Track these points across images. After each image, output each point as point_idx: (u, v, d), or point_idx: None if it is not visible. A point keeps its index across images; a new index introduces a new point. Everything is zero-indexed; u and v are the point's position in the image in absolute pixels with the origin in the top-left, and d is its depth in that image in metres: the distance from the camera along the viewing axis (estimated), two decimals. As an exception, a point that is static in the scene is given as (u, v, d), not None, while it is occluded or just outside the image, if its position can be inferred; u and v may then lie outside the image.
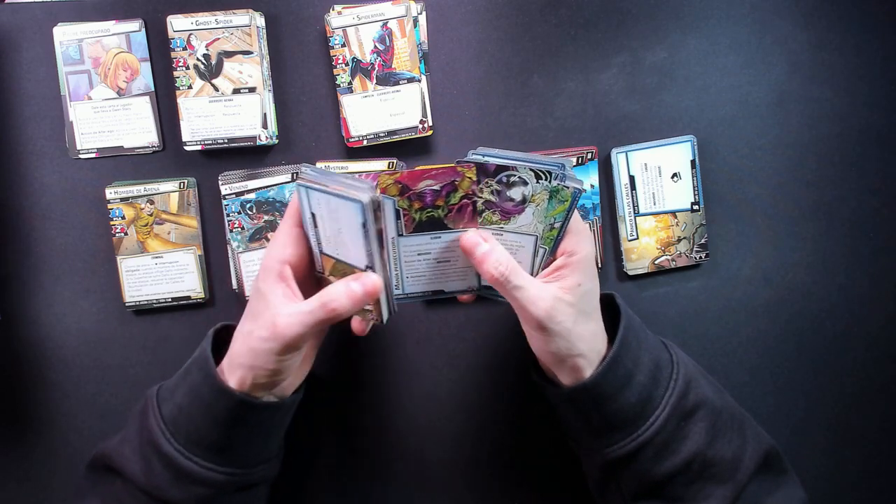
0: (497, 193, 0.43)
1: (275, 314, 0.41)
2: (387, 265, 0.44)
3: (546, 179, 0.42)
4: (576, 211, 0.44)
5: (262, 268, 0.44)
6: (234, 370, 0.43)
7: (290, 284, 0.44)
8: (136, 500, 0.44)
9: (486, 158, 0.43)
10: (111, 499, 0.45)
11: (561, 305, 0.42)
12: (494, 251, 0.43)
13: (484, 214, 0.44)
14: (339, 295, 0.42)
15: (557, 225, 0.44)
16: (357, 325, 0.49)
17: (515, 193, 0.43)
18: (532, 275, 0.45)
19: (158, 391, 0.46)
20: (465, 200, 0.44)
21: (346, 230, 0.42)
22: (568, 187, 0.43)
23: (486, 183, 0.43)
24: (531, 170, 0.42)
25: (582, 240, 0.44)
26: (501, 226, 0.45)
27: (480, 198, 0.44)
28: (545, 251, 0.45)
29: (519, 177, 0.43)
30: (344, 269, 0.45)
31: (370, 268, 0.43)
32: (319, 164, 0.54)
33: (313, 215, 0.44)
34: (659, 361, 0.45)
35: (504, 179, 0.43)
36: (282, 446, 0.50)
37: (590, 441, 0.46)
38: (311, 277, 0.47)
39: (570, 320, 0.42)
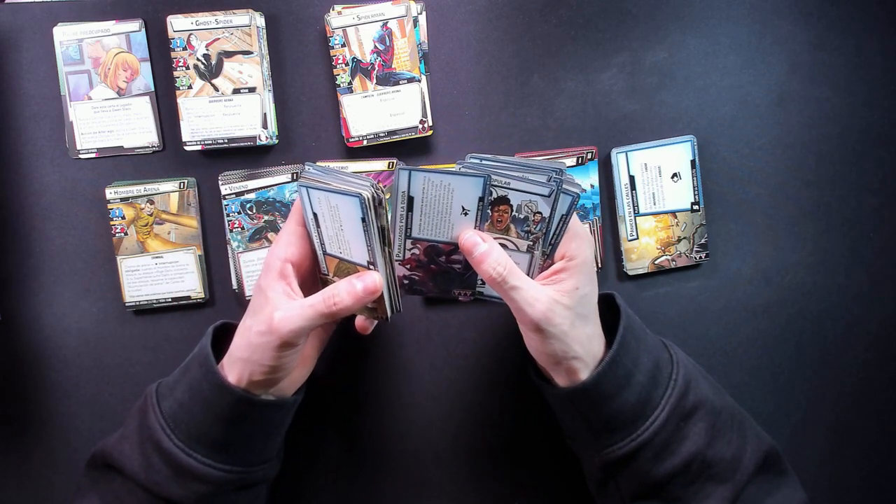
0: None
1: (273, 309, 0.42)
2: (390, 263, 0.44)
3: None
4: (574, 214, 0.44)
5: (264, 265, 0.45)
6: (233, 365, 0.44)
7: (291, 283, 0.44)
8: (135, 497, 0.44)
9: (483, 163, 0.43)
10: (111, 496, 0.45)
11: (558, 308, 0.42)
12: (493, 251, 0.43)
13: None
14: (340, 291, 0.42)
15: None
16: (361, 323, 0.49)
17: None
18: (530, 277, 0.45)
19: (157, 388, 0.46)
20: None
21: (346, 227, 0.43)
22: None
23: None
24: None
25: (582, 243, 0.44)
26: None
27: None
28: (540, 255, 0.45)
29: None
30: (348, 269, 0.45)
31: (372, 264, 0.43)
32: (321, 164, 0.54)
33: (315, 215, 0.44)
34: (658, 362, 0.45)
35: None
36: (282, 448, 0.50)
37: (589, 441, 0.46)
38: (313, 279, 0.47)
39: (566, 323, 0.42)
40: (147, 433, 0.44)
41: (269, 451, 0.48)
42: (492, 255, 0.42)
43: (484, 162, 0.44)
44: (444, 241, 0.44)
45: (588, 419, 0.44)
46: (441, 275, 0.46)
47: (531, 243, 0.44)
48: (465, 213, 0.43)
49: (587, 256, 0.44)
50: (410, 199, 0.43)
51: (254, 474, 0.46)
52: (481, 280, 0.46)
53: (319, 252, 0.46)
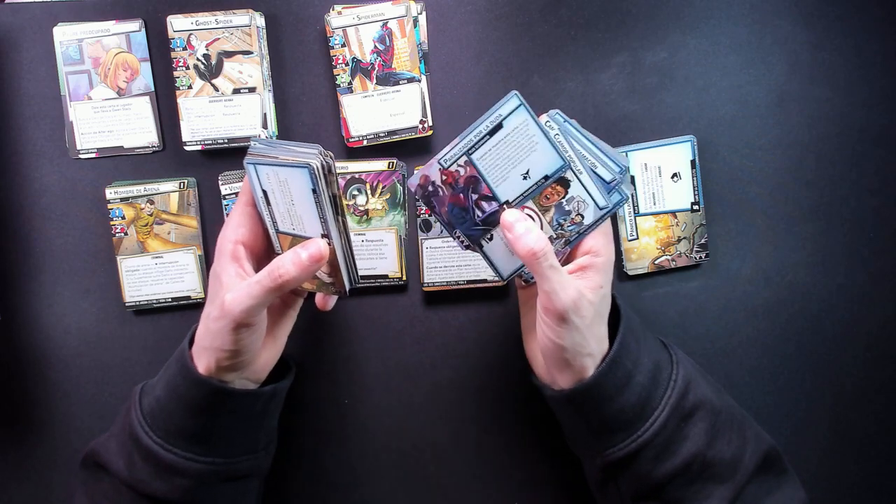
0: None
1: (225, 292, 0.42)
2: (345, 232, 0.43)
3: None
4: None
5: (217, 250, 0.44)
6: (200, 354, 0.44)
7: (243, 264, 0.44)
8: (120, 496, 0.44)
9: (565, 123, 0.43)
10: (99, 495, 0.45)
11: (584, 301, 0.42)
12: (534, 230, 0.42)
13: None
14: (285, 262, 0.42)
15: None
16: (319, 300, 0.49)
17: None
18: None
19: (143, 387, 0.46)
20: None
21: (298, 201, 0.42)
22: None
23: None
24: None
25: (609, 242, 0.45)
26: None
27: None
28: (560, 246, 0.44)
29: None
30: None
31: (326, 237, 0.42)
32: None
33: (265, 192, 0.43)
34: (658, 362, 0.45)
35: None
36: (272, 440, 0.50)
37: (589, 443, 0.46)
38: (269, 258, 0.46)
39: (589, 317, 0.42)
40: (129, 430, 0.44)
41: (253, 443, 0.47)
42: (534, 232, 0.42)
43: (566, 123, 0.43)
44: (489, 185, 0.43)
45: (588, 420, 0.44)
46: (459, 209, 0.45)
47: (553, 237, 0.44)
48: (525, 178, 0.42)
49: (611, 256, 0.45)
50: (499, 126, 0.41)
51: (238, 465, 0.46)
52: (490, 237, 0.45)
53: (272, 231, 0.45)
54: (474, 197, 0.44)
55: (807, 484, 0.47)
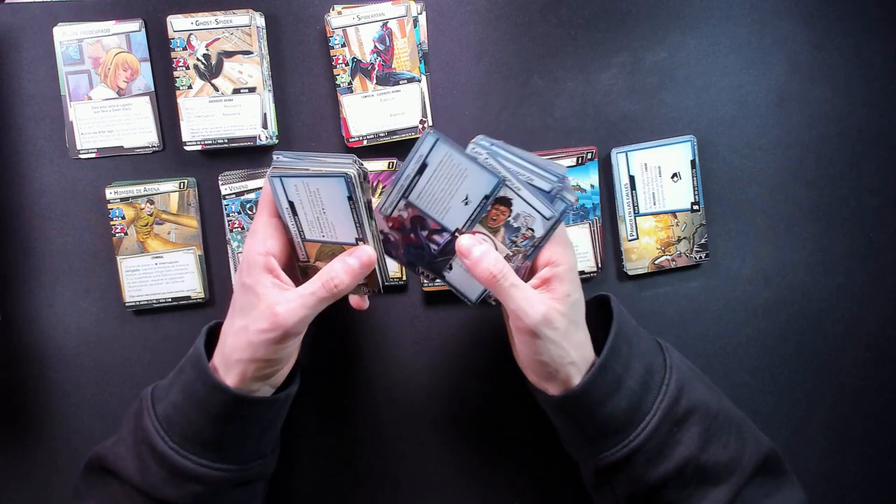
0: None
1: (271, 304, 0.42)
2: (377, 235, 0.44)
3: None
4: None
5: (245, 263, 0.44)
6: (232, 366, 0.43)
7: (279, 275, 0.44)
8: (131, 501, 0.44)
9: (492, 147, 0.43)
10: (108, 500, 0.45)
11: (554, 313, 0.42)
12: (491, 252, 0.43)
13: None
14: (337, 272, 0.43)
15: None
16: (356, 301, 0.49)
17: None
18: None
19: (153, 391, 0.46)
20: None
21: (330, 209, 0.42)
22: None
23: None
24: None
25: (567, 249, 0.44)
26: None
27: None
28: (520, 262, 0.45)
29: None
30: (332, 250, 0.45)
31: (361, 240, 0.43)
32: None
33: (291, 204, 0.44)
34: (651, 366, 0.45)
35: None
36: (278, 443, 0.51)
37: (583, 447, 0.46)
38: (290, 269, 0.47)
39: (563, 327, 0.42)
40: (141, 435, 0.44)
41: (264, 448, 0.47)
42: (490, 255, 0.42)
43: (493, 146, 0.43)
44: (434, 219, 0.44)
45: (581, 425, 0.44)
46: (415, 248, 0.46)
47: (510, 254, 0.44)
48: (466, 203, 0.43)
49: (572, 262, 0.44)
50: (424, 166, 0.42)
51: (250, 471, 0.46)
52: (449, 267, 0.46)
53: (298, 240, 0.46)
54: (424, 233, 0.45)
55: (807, 484, 0.47)
